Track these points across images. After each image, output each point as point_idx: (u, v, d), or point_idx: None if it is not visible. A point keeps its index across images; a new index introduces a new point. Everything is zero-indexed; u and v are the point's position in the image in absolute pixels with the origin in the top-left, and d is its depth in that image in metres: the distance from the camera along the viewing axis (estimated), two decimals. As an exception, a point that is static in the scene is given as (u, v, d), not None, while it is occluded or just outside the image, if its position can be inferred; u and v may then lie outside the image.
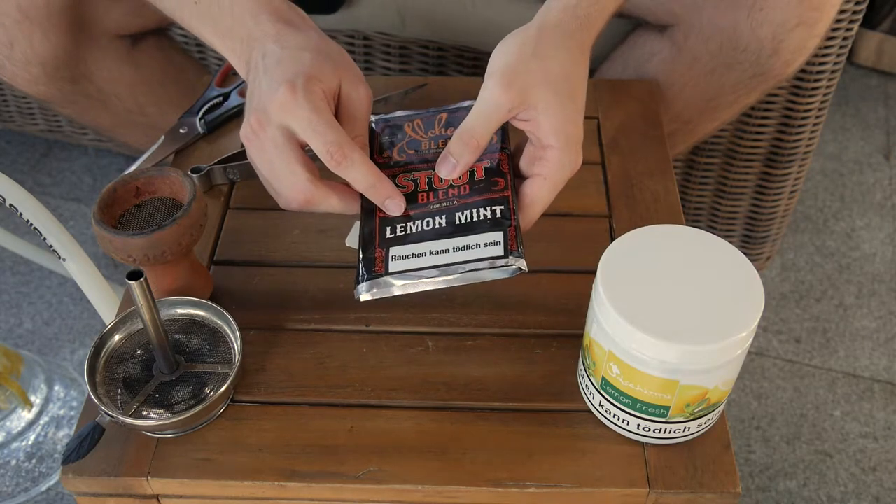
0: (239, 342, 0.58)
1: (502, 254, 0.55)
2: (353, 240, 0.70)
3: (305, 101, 0.56)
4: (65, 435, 1.04)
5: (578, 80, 0.60)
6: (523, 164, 0.61)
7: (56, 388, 1.07)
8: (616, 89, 0.84)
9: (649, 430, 0.55)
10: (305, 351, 0.63)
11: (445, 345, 0.63)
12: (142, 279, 0.51)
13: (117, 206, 0.61)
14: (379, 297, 0.56)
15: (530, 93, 0.57)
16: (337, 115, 0.59)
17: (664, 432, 0.55)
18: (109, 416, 0.55)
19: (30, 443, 1.03)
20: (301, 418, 0.59)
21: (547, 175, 0.59)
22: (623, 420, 0.56)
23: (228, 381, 0.57)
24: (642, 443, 0.57)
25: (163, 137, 0.79)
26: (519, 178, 0.61)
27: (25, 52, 0.83)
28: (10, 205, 0.71)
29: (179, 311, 0.61)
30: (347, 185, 0.59)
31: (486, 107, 0.58)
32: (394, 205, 0.59)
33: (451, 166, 0.59)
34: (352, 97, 0.60)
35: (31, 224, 0.72)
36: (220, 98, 0.82)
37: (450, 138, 0.60)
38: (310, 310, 0.66)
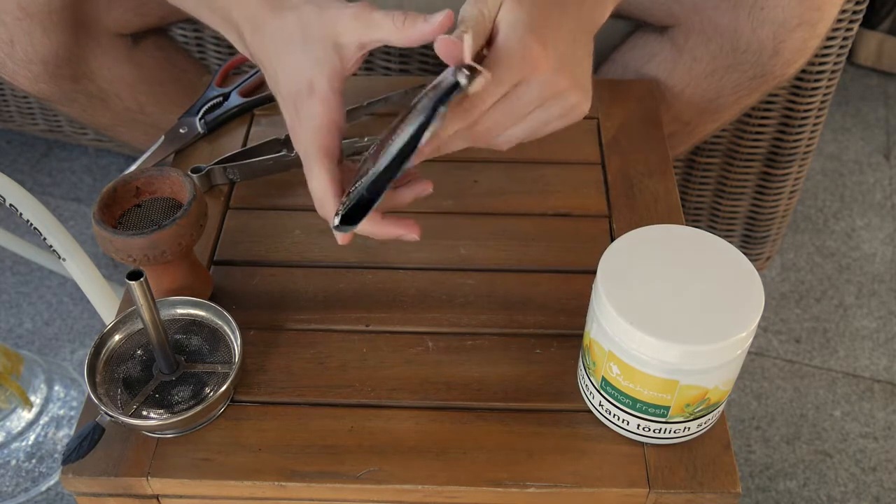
0: (239, 342, 0.58)
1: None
2: None
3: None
4: (65, 435, 1.04)
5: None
6: None
7: (56, 388, 1.07)
8: (616, 89, 0.84)
9: (649, 430, 0.55)
10: (305, 351, 0.63)
11: (445, 345, 0.63)
12: (142, 279, 0.51)
13: (117, 206, 0.62)
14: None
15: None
16: None
17: (664, 432, 0.55)
18: (109, 416, 0.55)
19: (30, 443, 1.03)
20: (301, 418, 0.59)
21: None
22: (623, 420, 0.56)
23: (228, 381, 0.57)
24: (642, 443, 0.57)
25: (163, 137, 0.79)
26: None
27: (26, 49, 0.83)
28: (10, 205, 0.71)
29: (179, 311, 0.61)
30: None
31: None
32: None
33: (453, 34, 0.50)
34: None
35: (31, 224, 0.72)
36: (220, 98, 0.82)
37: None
38: (310, 310, 0.66)
